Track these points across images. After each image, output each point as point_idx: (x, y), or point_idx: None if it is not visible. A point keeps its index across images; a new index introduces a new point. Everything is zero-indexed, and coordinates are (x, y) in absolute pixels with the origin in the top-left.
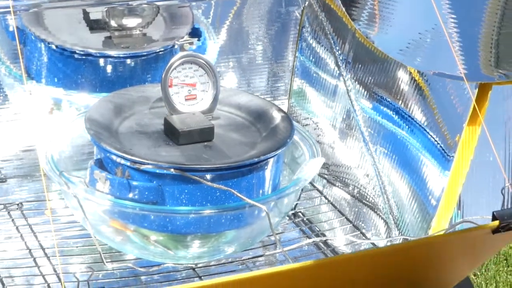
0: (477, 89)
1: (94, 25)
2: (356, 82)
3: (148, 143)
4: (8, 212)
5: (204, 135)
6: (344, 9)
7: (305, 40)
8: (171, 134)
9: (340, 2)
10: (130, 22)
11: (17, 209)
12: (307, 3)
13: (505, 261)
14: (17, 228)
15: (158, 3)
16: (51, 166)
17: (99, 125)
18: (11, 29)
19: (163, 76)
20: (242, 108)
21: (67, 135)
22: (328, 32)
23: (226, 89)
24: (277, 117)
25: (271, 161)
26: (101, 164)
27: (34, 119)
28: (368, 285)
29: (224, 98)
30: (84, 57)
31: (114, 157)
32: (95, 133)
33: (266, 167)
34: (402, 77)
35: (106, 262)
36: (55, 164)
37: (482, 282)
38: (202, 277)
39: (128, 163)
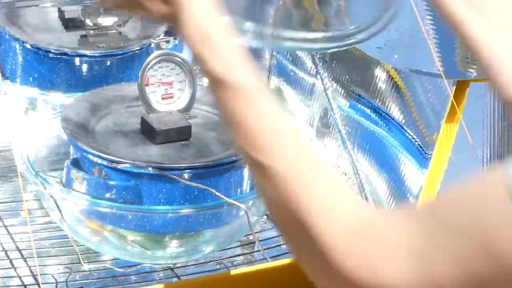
0: (454, 87)
1: (69, 24)
2: (333, 81)
3: (125, 142)
4: None
5: (181, 134)
6: (317, 7)
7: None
8: (148, 133)
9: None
10: (106, 21)
11: None
12: (281, 1)
13: None
14: None
15: None
16: (27, 166)
17: (75, 124)
18: None
19: (139, 74)
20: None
21: (43, 135)
22: None
23: (203, 87)
24: None
25: None
26: (77, 164)
27: (9, 119)
28: None
29: (201, 97)
30: (59, 56)
31: (90, 157)
32: (71, 132)
33: (244, 166)
34: (380, 75)
35: (84, 262)
36: (31, 164)
37: None
38: (181, 276)
39: (105, 163)
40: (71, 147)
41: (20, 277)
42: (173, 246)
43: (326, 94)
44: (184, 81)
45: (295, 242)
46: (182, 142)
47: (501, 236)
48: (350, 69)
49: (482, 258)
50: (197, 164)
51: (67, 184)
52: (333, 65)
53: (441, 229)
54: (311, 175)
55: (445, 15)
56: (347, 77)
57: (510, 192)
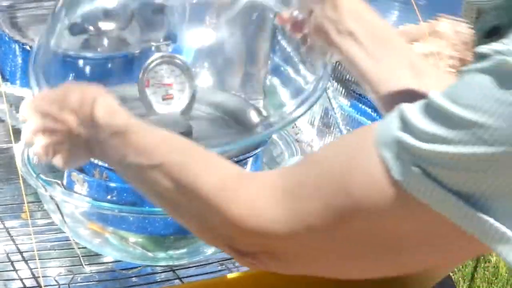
0: None
1: (73, 28)
2: (334, 80)
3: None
4: None
5: (182, 134)
6: None
7: (278, 39)
8: None
9: None
10: (106, 25)
11: None
12: None
13: (482, 257)
14: None
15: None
16: (28, 168)
17: None
18: None
19: (140, 76)
20: (219, 108)
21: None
22: None
23: (203, 88)
24: (254, 116)
25: (249, 160)
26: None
27: (9, 121)
28: (358, 283)
29: (200, 98)
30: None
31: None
32: None
33: (244, 167)
34: None
35: (85, 265)
36: (32, 167)
37: (460, 278)
38: (182, 278)
39: (106, 165)
40: None
41: (21, 280)
42: (175, 248)
43: (327, 94)
44: (184, 82)
45: (187, 214)
46: None
47: (358, 179)
48: None
49: (340, 195)
50: None
51: (68, 186)
52: (333, 64)
53: (312, 171)
54: (191, 157)
55: (331, 43)
56: (348, 76)
57: (374, 140)
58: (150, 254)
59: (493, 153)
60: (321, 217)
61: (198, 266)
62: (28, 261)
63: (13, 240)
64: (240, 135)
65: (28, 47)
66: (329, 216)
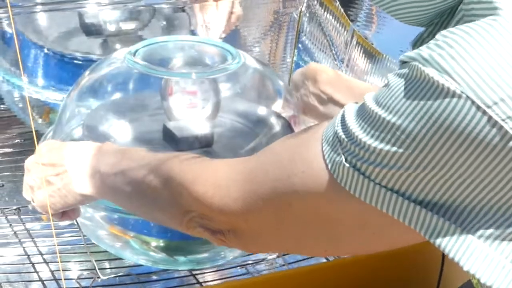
0: None
1: (90, 29)
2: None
3: (149, 148)
4: (6, 217)
5: (203, 141)
6: (342, 10)
7: (302, 42)
8: (170, 140)
9: (338, 3)
10: (126, 25)
11: (14, 214)
12: (305, 4)
13: None
14: (15, 233)
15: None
16: None
17: (97, 132)
18: (7, 35)
19: (162, 83)
20: (243, 115)
21: (65, 140)
22: (326, 34)
23: (227, 96)
24: (277, 123)
25: None
26: None
27: (31, 124)
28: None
29: (224, 105)
30: (82, 62)
31: None
32: (93, 140)
33: None
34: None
35: (106, 268)
36: None
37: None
38: (202, 283)
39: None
40: None
41: (42, 281)
42: (196, 253)
43: None
44: (209, 90)
45: (163, 204)
46: (204, 149)
47: (299, 167)
48: (372, 72)
49: (283, 180)
50: None
51: None
52: (355, 69)
53: (266, 158)
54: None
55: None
56: (369, 80)
57: (322, 133)
58: (171, 258)
59: (409, 153)
60: (269, 200)
61: (218, 270)
62: (49, 263)
63: (34, 242)
64: (262, 143)
65: (50, 52)
66: (274, 199)
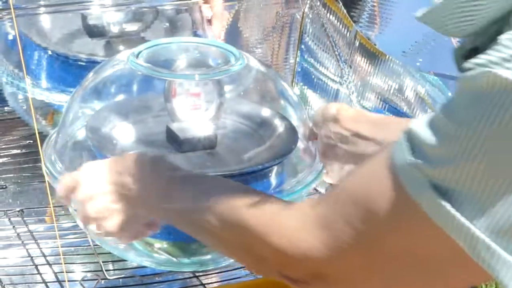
0: None
1: (93, 31)
2: (358, 85)
3: (150, 150)
4: (9, 219)
5: (207, 142)
6: (345, 11)
7: (305, 43)
8: (174, 141)
9: (341, 4)
10: (129, 27)
11: (17, 216)
12: (307, 5)
13: None
14: (18, 235)
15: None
16: (51, 171)
17: (100, 133)
18: (10, 37)
19: (166, 85)
20: (246, 116)
21: (69, 141)
22: (329, 35)
23: (230, 97)
24: (281, 125)
25: (275, 168)
26: None
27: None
28: None
29: (227, 107)
30: (85, 63)
31: None
32: (96, 141)
33: (270, 175)
34: (405, 79)
35: (109, 270)
36: (55, 170)
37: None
38: (205, 285)
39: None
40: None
41: (46, 283)
42: (199, 254)
43: (351, 99)
44: (213, 92)
45: (236, 249)
46: (208, 151)
47: (381, 206)
48: (375, 73)
49: (367, 221)
50: (223, 173)
51: None
52: (358, 70)
53: (338, 201)
54: (236, 197)
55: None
56: (372, 81)
57: (390, 164)
58: (174, 260)
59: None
60: (353, 242)
61: (221, 272)
62: (52, 265)
63: (37, 244)
64: (266, 145)
65: (53, 53)
66: (360, 241)
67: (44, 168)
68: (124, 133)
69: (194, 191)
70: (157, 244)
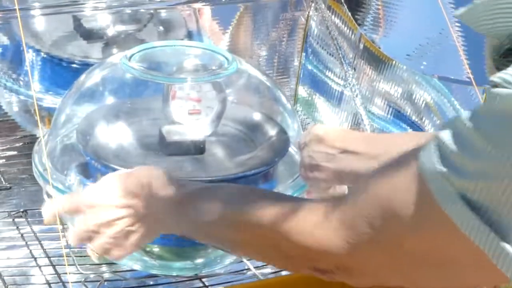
0: (485, 94)
1: (88, 33)
2: (363, 88)
3: (139, 152)
4: (13, 220)
5: (194, 147)
6: (350, 14)
7: (310, 46)
8: (162, 144)
9: (346, 7)
10: (123, 29)
11: (21, 216)
12: (312, 8)
13: None
14: (21, 235)
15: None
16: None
17: (89, 136)
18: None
19: (165, 87)
20: (237, 120)
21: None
22: (334, 38)
23: (232, 104)
24: (271, 129)
25: (264, 174)
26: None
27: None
28: None
29: (231, 114)
30: (79, 66)
31: (96, 165)
32: (86, 145)
33: (259, 181)
34: (409, 83)
35: (112, 271)
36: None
37: None
38: (209, 286)
39: (110, 170)
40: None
41: (49, 284)
42: (192, 258)
43: (355, 102)
44: (214, 98)
45: (275, 253)
46: (195, 156)
47: (406, 212)
48: (379, 77)
49: (391, 226)
50: (207, 178)
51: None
52: (362, 73)
53: (363, 203)
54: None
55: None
56: (376, 84)
57: (418, 171)
58: (167, 264)
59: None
60: (375, 242)
61: (224, 274)
62: (56, 266)
63: (40, 244)
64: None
65: (48, 56)
66: (381, 242)
67: (34, 170)
68: (114, 136)
69: (215, 202)
70: (148, 248)
